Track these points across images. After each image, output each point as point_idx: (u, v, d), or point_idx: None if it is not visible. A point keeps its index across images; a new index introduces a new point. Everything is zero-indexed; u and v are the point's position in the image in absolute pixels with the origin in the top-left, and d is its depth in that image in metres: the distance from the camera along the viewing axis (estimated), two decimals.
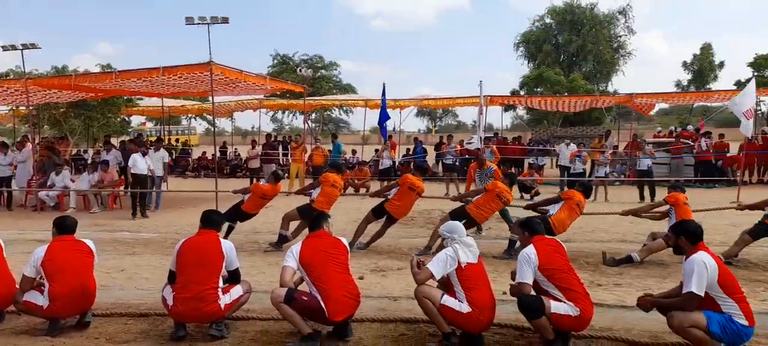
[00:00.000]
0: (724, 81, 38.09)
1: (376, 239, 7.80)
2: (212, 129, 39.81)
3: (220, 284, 4.38)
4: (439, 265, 4.09)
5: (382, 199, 7.93)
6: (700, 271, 3.69)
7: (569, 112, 28.01)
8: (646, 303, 4.04)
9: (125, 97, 21.44)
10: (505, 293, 5.36)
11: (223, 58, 11.18)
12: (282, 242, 7.70)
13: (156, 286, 5.57)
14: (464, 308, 3.99)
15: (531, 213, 7.13)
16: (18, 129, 25.85)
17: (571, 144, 16.31)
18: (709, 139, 17.30)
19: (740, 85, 26.13)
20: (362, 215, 8.17)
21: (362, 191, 14.84)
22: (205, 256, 4.35)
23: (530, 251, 4.04)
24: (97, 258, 4.81)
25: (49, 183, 12.67)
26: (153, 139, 16.94)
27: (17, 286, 4.60)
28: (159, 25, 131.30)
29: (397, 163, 17.99)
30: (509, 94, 28.96)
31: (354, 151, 20.36)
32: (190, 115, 34.96)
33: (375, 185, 15.05)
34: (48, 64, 28.72)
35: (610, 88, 36.04)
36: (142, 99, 23.24)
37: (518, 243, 5.54)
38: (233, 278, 4.54)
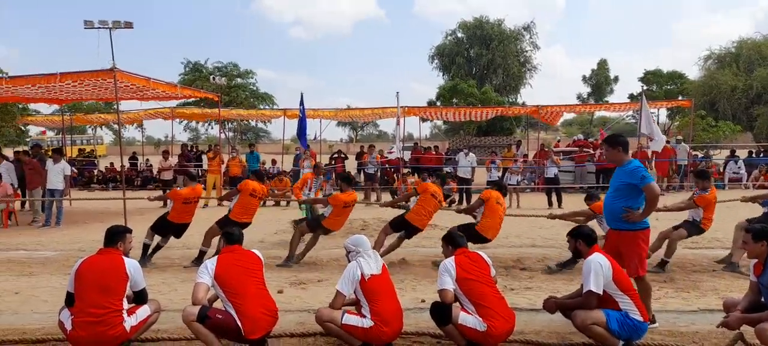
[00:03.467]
0: (618, 93, 41.67)
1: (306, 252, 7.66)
2: (119, 139, 37.58)
3: (125, 305, 4.11)
4: (345, 281, 4.15)
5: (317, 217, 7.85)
6: (597, 270, 4.02)
7: (482, 123, 29.31)
8: (551, 306, 4.35)
9: (20, 105, 19.76)
10: (423, 300, 5.50)
11: (131, 65, 10.65)
12: (202, 258, 7.40)
13: (54, 309, 5.13)
14: (366, 322, 4.04)
15: (465, 217, 7.40)
16: None
17: (470, 153, 17.04)
18: None
19: (633, 97, 28.53)
20: (284, 226, 8.04)
21: (283, 203, 14.60)
22: (107, 277, 4.04)
23: (450, 262, 4.19)
24: None
25: None
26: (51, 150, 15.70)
27: None
28: (60, 27, 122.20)
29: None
30: (426, 105, 29.77)
31: (274, 161, 19.99)
32: (95, 125, 32.75)
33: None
34: None
35: (519, 100, 38.02)
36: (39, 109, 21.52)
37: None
38: (139, 298, 4.27)
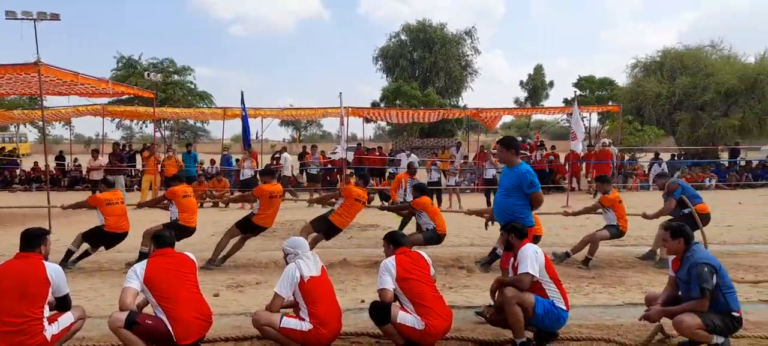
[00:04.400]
0: (554, 98, 43.44)
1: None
2: (43, 136, 35.44)
3: (46, 313, 3.87)
4: (284, 284, 4.10)
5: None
6: (532, 255, 4.26)
7: (425, 124, 29.70)
8: (492, 288, 4.50)
9: None
10: (363, 301, 5.50)
11: (58, 59, 10.01)
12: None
13: None
14: (305, 325, 4.01)
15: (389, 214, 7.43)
16: None
17: (412, 154, 17.27)
18: (543, 149, 19.48)
19: (567, 102, 29.74)
20: (222, 228, 7.83)
21: (221, 204, 14.23)
22: (26, 283, 3.78)
23: (391, 261, 4.20)
24: None
25: None
26: None
27: None
28: None
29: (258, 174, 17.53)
30: (370, 106, 29.83)
31: (213, 161, 19.46)
32: (18, 122, 30.70)
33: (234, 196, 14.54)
34: None
35: (461, 103, 38.79)
36: None
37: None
38: (62, 304, 4.04)
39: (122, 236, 7.41)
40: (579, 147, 14.82)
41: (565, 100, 33.33)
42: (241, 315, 5.12)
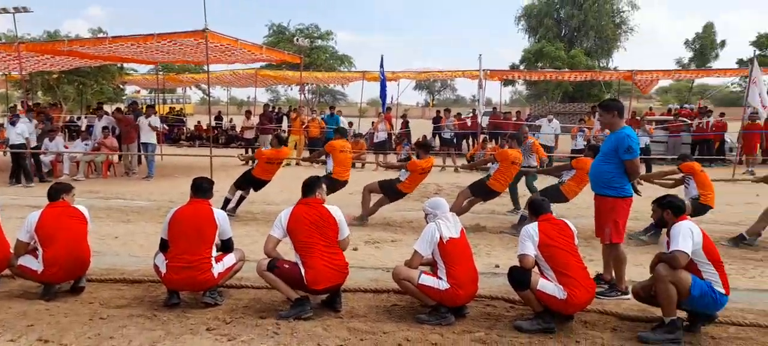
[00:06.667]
0: (725, 60, 37.91)
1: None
2: (207, 98, 39.57)
3: (213, 253, 4.37)
4: (423, 243, 4.14)
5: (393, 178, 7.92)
6: (686, 233, 3.83)
7: (569, 89, 27.98)
8: (653, 262, 4.03)
9: (118, 65, 21.17)
10: (497, 266, 5.42)
11: (218, 28, 10.99)
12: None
13: (149, 253, 5.55)
14: (442, 285, 4.03)
15: (548, 177, 7.55)
16: (11, 94, 25.57)
17: (554, 120, 16.27)
18: (707, 117, 17.27)
19: (742, 63, 25.98)
20: (358, 187, 8.14)
21: (358, 164, 14.81)
22: (198, 226, 4.30)
23: (533, 228, 4.07)
24: (91, 225, 4.79)
25: (42, 149, 12.57)
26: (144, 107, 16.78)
27: (12, 250, 4.61)
28: None
29: (393, 137, 17.94)
30: (509, 69, 28.76)
31: (350, 123, 20.26)
32: (185, 85, 34.56)
33: (370, 158, 15.08)
34: (40, 29, 28.31)
35: (611, 65, 35.80)
36: (136, 68, 22.97)
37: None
38: (226, 246, 4.53)
39: (264, 182, 8.32)
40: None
41: (740, 62, 28.98)
42: (378, 269, 5.33)
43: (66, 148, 12.99)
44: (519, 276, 3.98)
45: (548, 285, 3.92)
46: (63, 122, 18.99)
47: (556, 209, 5.64)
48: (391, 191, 7.73)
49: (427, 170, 7.75)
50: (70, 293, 4.58)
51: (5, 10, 13.69)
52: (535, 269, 4.04)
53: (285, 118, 22.65)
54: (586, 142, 14.91)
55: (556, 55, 29.63)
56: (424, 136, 18.01)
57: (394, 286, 4.38)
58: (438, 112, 20.49)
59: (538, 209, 4.25)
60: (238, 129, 21.59)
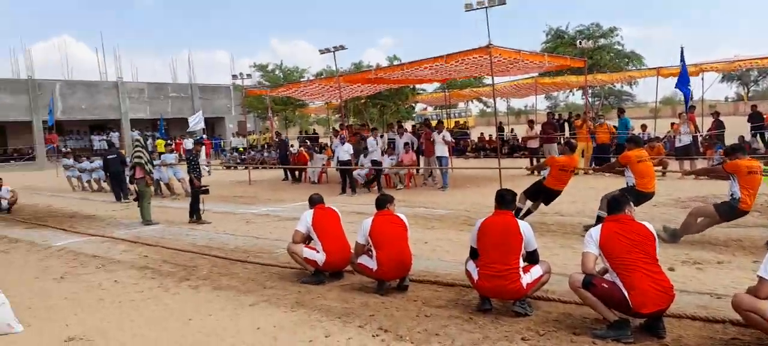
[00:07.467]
0: None
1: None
2: (485, 110, 41.02)
3: (521, 263, 4.48)
4: None
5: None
6: None
7: None
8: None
9: (411, 87, 23.65)
10: None
11: (496, 41, 11.24)
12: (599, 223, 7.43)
13: (456, 258, 6.05)
14: None
15: None
16: (330, 118, 31.07)
17: None
18: None
19: None
20: (669, 200, 7.30)
21: (658, 170, 13.31)
22: (505, 236, 4.46)
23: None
24: (410, 231, 5.45)
25: (359, 163, 14.84)
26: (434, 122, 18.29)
27: (352, 251, 5.56)
28: (429, 15, 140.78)
29: (700, 139, 15.60)
30: None
31: (644, 127, 18.40)
32: (467, 99, 36.55)
33: (674, 165, 13.43)
34: (346, 62, 33.63)
35: None
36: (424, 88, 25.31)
37: None
38: (531, 258, 4.59)
39: (557, 193, 8.19)
40: None
41: None
42: (705, 295, 4.68)
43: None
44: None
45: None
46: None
47: None
48: (727, 211, 6.42)
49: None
50: (397, 290, 5.27)
51: (327, 50, 16.66)
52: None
53: (566, 125, 21.92)
54: None
55: None
56: (742, 138, 15.26)
57: (733, 316, 3.77)
58: (754, 106, 17.02)
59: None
60: (519, 138, 21.77)
